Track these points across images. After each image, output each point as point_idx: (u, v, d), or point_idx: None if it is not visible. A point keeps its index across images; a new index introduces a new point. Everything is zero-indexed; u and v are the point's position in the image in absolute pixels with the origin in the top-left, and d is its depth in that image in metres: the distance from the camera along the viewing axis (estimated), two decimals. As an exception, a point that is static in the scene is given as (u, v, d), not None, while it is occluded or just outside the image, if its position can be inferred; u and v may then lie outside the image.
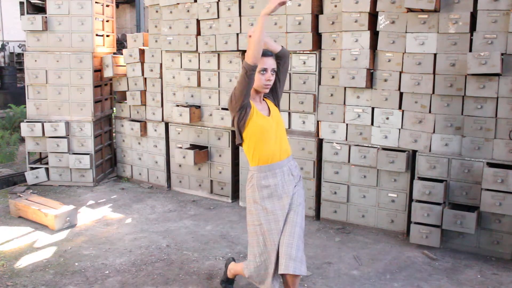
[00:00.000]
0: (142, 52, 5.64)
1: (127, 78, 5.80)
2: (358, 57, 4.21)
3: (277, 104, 2.93)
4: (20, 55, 16.92)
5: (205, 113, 5.22)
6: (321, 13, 4.50)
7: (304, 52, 4.52)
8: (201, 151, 5.15)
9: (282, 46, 2.91)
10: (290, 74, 4.61)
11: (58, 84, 5.61)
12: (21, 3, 5.70)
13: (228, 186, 5.19)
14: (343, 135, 4.43)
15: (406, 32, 4.02)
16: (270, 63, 2.74)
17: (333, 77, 4.42)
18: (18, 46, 17.32)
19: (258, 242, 2.79)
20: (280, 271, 2.70)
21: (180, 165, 5.47)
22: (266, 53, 2.74)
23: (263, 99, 2.88)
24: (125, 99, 5.94)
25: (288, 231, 2.73)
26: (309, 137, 4.60)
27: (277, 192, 2.76)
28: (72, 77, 5.59)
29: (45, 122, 5.56)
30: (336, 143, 4.45)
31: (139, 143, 5.84)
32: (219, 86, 5.08)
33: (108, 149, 6.27)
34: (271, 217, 2.75)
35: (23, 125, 5.57)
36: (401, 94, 4.13)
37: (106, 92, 6.15)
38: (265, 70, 2.72)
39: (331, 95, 4.44)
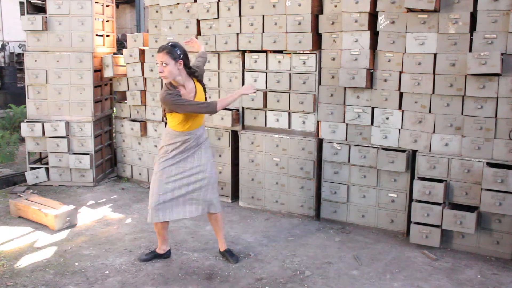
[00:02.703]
0: (142, 52, 5.64)
1: (127, 78, 5.80)
2: (358, 57, 4.21)
3: (202, 82, 3.64)
4: (20, 55, 16.89)
5: (205, 113, 5.21)
6: (321, 13, 4.50)
7: (304, 52, 4.52)
8: (201, 151, 5.14)
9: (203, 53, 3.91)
10: (290, 74, 4.61)
11: (58, 84, 5.61)
12: (21, 3, 5.74)
13: (228, 186, 5.19)
14: (343, 135, 4.43)
15: (406, 32, 4.02)
16: (160, 57, 3.32)
17: (333, 77, 4.42)
18: (18, 46, 17.28)
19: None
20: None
21: (180, 165, 5.46)
22: (158, 49, 3.35)
23: (193, 79, 3.51)
24: (125, 99, 5.94)
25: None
26: (309, 137, 4.60)
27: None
28: (72, 77, 5.59)
29: (45, 122, 5.56)
30: (336, 143, 4.45)
31: (139, 143, 5.84)
32: (219, 86, 5.08)
33: (108, 149, 6.27)
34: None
35: (23, 125, 5.57)
36: (401, 94, 4.13)
37: (106, 92, 6.15)
38: (158, 63, 3.36)
39: (331, 95, 4.44)
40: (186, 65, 3.42)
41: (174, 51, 3.32)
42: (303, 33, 4.46)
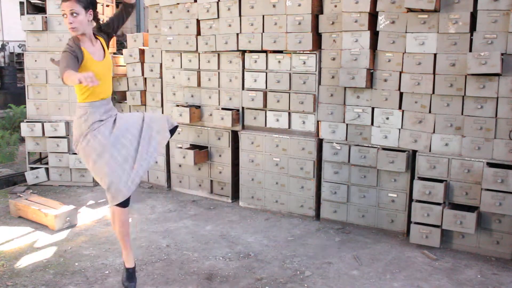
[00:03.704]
0: (142, 52, 5.64)
1: (127, 78, 5.80)
2: (358, 57, 4.21)
3: (108, 43, 3.17)
4: (20, 55, 16.89)
5: (205, 113, 5.22)
6: (321, 13, 4.50)
7: (304, 52, 4.52)
8: (201, 151, 5.15)
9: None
10: (290, 74, 4.61)
11: (58, 84, 5.61)
12: (21, 3, 5.75)
13: (228, 186, 5.19)
14: (343, 135, 4.43)
15: (406, 32, 4.02)
16: (67, 5, 2.87)
17: (333, 77, 4.42)
18: (18, 46, 17.29)
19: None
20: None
21: (180, 165, 5.47)
22: None
23: (97, 38, 3.08)
24: (125, 99, 5.94)
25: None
26: (309, 137, 4.60)
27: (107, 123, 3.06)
28: (72, 77, 5.58)
29: (45, 122, 5.56)
30: (336, 143, 4.45)
31: (139, 143, 5.83)
32: (219, 86, 5.08)
33: (108, 149, 6.26)
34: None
35: (23, 125, 5.57)
36: (401, 94, 4.13)
37: (106, 92, 6.14)
38: (64, 14, 2.88)
39: (331, 95, 4.44)
40: (95, 18, 3.01)
41: None
42: (303, 33, 4.46)
